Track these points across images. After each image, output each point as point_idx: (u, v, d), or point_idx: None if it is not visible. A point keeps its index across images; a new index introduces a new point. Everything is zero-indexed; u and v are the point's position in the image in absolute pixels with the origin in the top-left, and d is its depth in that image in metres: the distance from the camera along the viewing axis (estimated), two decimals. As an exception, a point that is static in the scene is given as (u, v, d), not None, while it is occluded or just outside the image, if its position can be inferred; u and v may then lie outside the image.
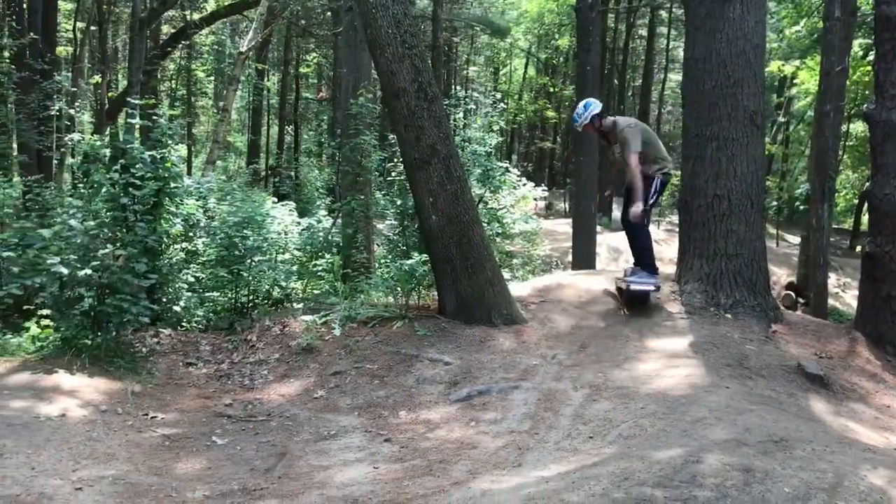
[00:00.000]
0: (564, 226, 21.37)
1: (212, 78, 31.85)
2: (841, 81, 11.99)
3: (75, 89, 18.25)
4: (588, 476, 3.56)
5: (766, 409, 4.77)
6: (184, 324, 8.18)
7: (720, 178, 7.21)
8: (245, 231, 8.42)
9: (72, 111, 16.61)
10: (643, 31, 34.47)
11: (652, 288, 7.13)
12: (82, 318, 6.50)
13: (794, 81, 19.73)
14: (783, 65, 18.41)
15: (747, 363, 6.01)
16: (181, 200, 8.31)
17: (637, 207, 7.07)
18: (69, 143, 9.67)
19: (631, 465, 3.61)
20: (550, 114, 33.82)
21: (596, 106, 7.48)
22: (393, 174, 10.92)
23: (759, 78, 7.33)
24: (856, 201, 27.06)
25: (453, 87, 35.40)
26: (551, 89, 33.56)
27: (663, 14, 31.48)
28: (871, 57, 15.22)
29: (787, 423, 4.44)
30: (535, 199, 14.80)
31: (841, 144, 18.64)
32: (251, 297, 8.59)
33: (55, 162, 15.90)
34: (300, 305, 8.49)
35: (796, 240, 20.64)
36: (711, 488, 3.20)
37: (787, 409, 5.07)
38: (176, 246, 8.76)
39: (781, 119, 24.89)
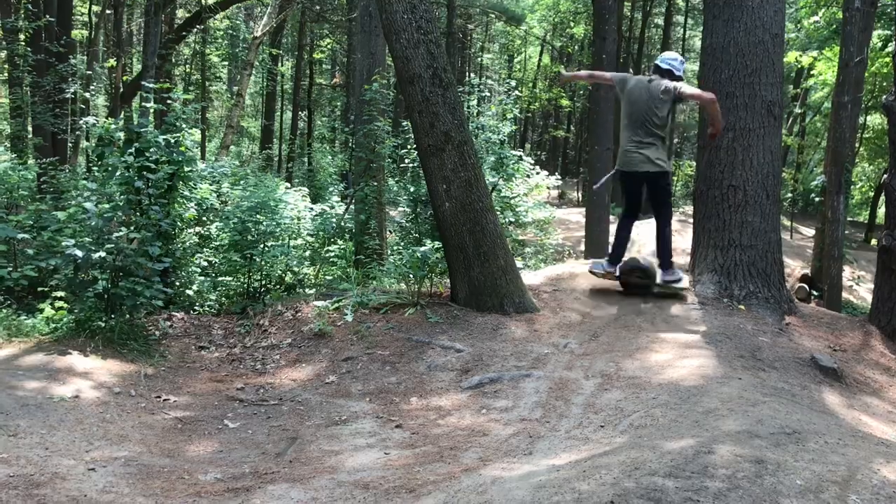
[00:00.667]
0: (577, 215, 21.32)
1: (226, 63, 31.85)
2: (859, 73, 11.87)
3: (90, 72, 18.31)
4: (599, 465, 3.55)
5: (778, 402, 4.75)
6: (196, 307, 8.22)
7: (736, 169, 7.17)
8: (258, 216, 8.44)
9: (87, 94, 16.69)
10: (659, 20, 34.21)
11: (597, 270, 7.64)
12: (96, 301, 6.54)
13: (812, 72, 19.56)
14: (801, 55, 18.24)
15: (760, 355, 5.99)
16: (195, 185, 8.34)
17: None
18: (84, 126, 9.71)
19: (642, 455, 3.59)
20: (565, 102, 33.64)
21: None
22: (406, 161, 10.92)
23: (777, 68, 7.27)
24: (871, 194, 26.87)
25: (467, 74, 35.29)
26: (566, 78, 33.32)
27: (680, 2, 31.23)
28: (890, 48, 15.06)
29: (799, 416, 4.41)
30: (549, 188, 14.73)
31: (857, 136, 18.46)
32: (264, 282, 8.62)
33: (70, 145, 15.96)
34: (312, 291, 8.51)
35: (811, 232, 20.51)
36: (723, 479, 3.18)
37: (799, 401, 5.05)
38: (189, 230, 8.80)
39: (798, 110, 24.71)
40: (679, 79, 7.04)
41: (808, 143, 26.50)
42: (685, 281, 7.35)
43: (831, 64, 16.47)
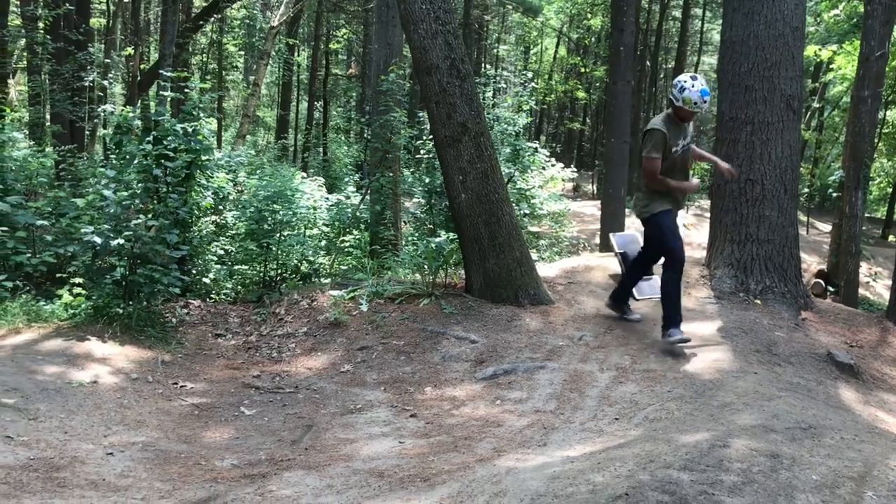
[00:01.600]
0: (592, 208, 21.25)
1: (242, 52, 31.90)
2: (880, 67, 11.76)
3: (108, 61, 18.37)
4: (613, 457, 3.56)
5: (794, 396, 4.74)
6: (213, 295, 8.27)
7: (754, 163, 7.13)
8: (274, 205, 8.47)
9: (104, 82, 16.75)
10: (677, 13, 33.93)
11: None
12: (114, 287, 6.60)
13: (831, 66, 19.37)
14: (820, 49, 18.07)
15: (776, 350, 5.97)
16: (212, 173, 8.38)
17: None
18: (101, 113, 9.76)
19: (657, 448, 3.60)
20: (581, 94, 33.45)
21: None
22: (422, 152, 10.92)
23: (797, 61, 7.21)
24: (889, 190, 26.61)
25: (483, 65, 35.19)
26: (582, 70, 33.20)
27: (699, -5, 31.01)
28: (912, 42, 14.89)
29: (815, 411, 4.40)
30: (564, 181, 14.69)
31: (876, 131, 18.30)
32: (279, 271, 8.66)
33: (87, 132, 16.05)
34: (328, 280, 8.54)
35: (827, 227, 20.36)
36: (738, 473, 3.18)
37: (815, 396, 5.03)
38: (206, 218, 8.84)
39: (816, 105, 24.49)
40: (675, 111, 5.97)
41: (825, 137, 26.24)
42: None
43: (851, 58, 16.30)
